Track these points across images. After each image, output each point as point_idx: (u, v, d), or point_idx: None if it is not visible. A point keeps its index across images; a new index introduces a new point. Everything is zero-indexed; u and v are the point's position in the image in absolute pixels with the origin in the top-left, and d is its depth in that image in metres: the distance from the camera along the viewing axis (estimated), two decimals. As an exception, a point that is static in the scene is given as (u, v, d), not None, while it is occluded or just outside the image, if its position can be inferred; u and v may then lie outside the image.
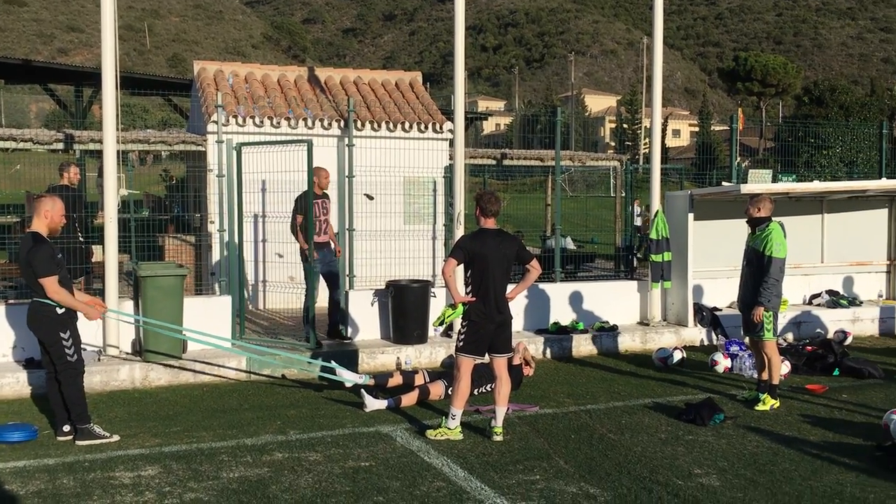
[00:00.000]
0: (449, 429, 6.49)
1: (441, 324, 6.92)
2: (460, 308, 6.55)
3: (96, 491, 5.32)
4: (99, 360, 8.42)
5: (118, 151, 8.76)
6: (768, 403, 7.49)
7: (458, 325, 6.69)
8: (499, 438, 6.43)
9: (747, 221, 7.76)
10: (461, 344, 6.54)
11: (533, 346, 9.81)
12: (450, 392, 6.91)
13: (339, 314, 9.54)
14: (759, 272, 7.53)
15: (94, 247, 10.69)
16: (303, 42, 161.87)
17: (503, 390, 6.56)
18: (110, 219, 8.55)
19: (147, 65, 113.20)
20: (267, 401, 7.78)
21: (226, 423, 6.97)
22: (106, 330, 8.59)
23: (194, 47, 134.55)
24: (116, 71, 8.50)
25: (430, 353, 9.44)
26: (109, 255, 8.59)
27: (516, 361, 8.34)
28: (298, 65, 17.27)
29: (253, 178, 9.98)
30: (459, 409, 6.53)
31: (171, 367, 8.45)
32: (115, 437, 6.44)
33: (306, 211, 9.03)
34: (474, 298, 6.48)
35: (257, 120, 11.93)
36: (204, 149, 11.85)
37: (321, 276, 9.56)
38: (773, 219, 7.65)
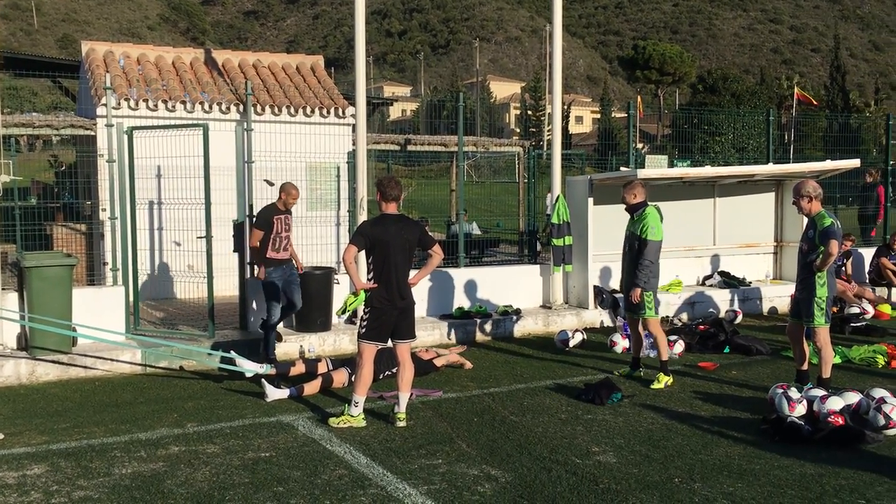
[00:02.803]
0: (352, 416, 6.44)
1: (344, 312, 6.85)
2: (362, 295, 6.49)
3: (-24, 494, 5.04)
4: (-19, 356, 7.98)
5: (-1, 136, 8.30)
6: (662, 381, 7.75)
7: (361, 312, 6.64)
8: (402, 424, 6.42)
9: (625, 209, 8.02)
10: (363, 331, 6.49)
11: (437, 332, 9.85)
12: (353, 379, 6.86)
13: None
14: (639, 256, 7.81)
15: (-25, 237, 10.13)
16: (202, 24, 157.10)
17: (406, 376, 6.55)
18: (-10, 207, 8.09)
19: (35, 45, 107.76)
20: (163, 393, 7.54)
21: (119, 417, 6.72)
22: (-12, 324, 8.15)
23: (86, 28, 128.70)
24: (-5, 50, 8.02)
25: (333, 341, 9.35)
26: (-10, 245, 8.13)
27: (438, 363, 8.34)
28: (195, 47, 16.75)
29: (148, 164, 9.63)
30: (362, 397, 6.48)
31: (61, 362, 8.08)
32: (-1, 436, 6.12)
33: (266, 227, 8.44)
34: (376, 285, 6.44)
35: (151, 103, 11.50)
36: (94, 133, 11.37)
37: (282, 292, 8.77)
38: (651, 203, 7.98)
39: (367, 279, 6.54)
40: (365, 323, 6.49)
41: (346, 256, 6.40)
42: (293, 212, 8.82)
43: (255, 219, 8.63)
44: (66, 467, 5.51)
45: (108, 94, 9.61)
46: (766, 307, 12.04)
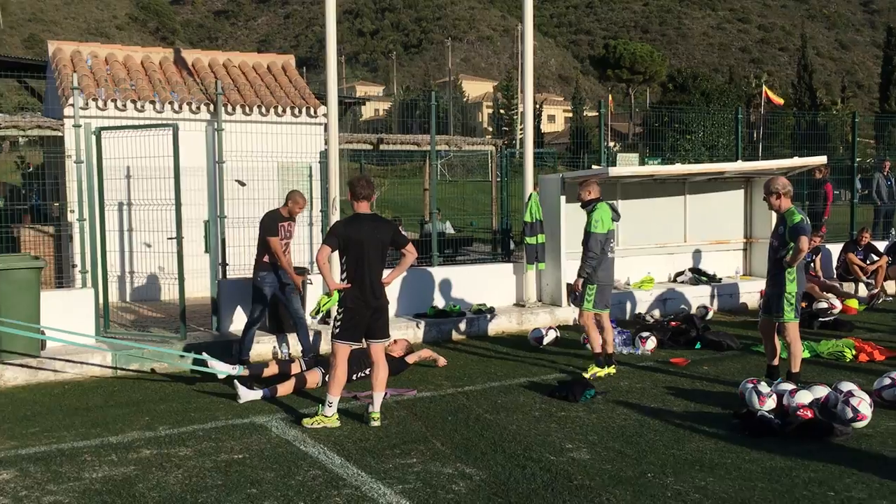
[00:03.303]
0: (326, 416, 6.42)
1: (317, 312, 6.82)
2: (336, 295, 6.47)
3: (-57, 501, 4.95)
4: (-54, 360, 7.84)
5: (-37, 137, 8.16)
6: (591, 370, 7.94)
7: (335, 312, 6.61)
8: (376, 424, 6.41)
9: (580, 205, 8.15)
10: (337, 331, 6.47)
11: (411, 332, 9.84)
12: (327, 379, 6.83)
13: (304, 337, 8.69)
14: (584, 248, 8.08)
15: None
16: (171, 24, 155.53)
17: (380, 376, 6.54)
18: (-45, 209, 7.95)
19: (1, 45, 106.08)
20: (135, 396, 7.46)
21: (89, 421, 6.64)
22: (-46, 328, 8.00)
23: (53, 27, 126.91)
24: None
25: (307, 341, 9.28)
26: (-44, 248, 7.99)
27: (410, 360, 8.33)
28: (165, 46, 16.60)
29: (117, 165, 9.51)
30: (336, 397, 6.46)
31: (29, 366, 7.97)
32: (-35, 443, 6.02)
33: (275, 232, 8.27)
34: (349, 284, 6.42)
35: (119, 103, 11.37)
36: (61, 134, 11.21)
37: (277, 301, 8.67)
38: (606, 201, 8.20)
39: (341, 279, 6.52)
40: (339, 323, 6.47)
41: (320, 257, 6.37)
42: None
43: (263, 228, 8.37)
44: (36, 472, 5.43)
45: (75, 95, 9.49)
46: (736, 303, 12.17)
